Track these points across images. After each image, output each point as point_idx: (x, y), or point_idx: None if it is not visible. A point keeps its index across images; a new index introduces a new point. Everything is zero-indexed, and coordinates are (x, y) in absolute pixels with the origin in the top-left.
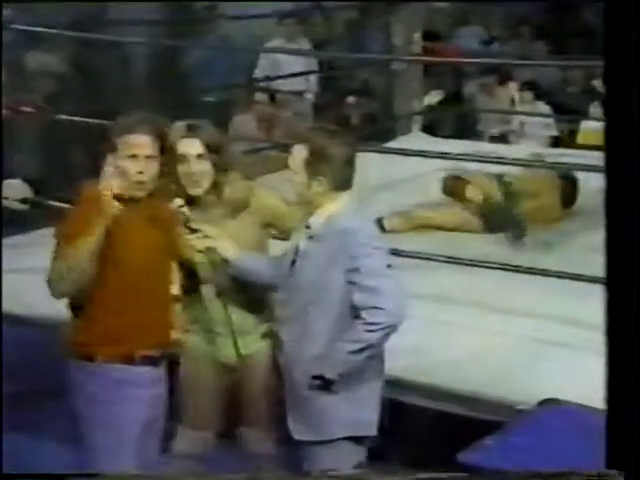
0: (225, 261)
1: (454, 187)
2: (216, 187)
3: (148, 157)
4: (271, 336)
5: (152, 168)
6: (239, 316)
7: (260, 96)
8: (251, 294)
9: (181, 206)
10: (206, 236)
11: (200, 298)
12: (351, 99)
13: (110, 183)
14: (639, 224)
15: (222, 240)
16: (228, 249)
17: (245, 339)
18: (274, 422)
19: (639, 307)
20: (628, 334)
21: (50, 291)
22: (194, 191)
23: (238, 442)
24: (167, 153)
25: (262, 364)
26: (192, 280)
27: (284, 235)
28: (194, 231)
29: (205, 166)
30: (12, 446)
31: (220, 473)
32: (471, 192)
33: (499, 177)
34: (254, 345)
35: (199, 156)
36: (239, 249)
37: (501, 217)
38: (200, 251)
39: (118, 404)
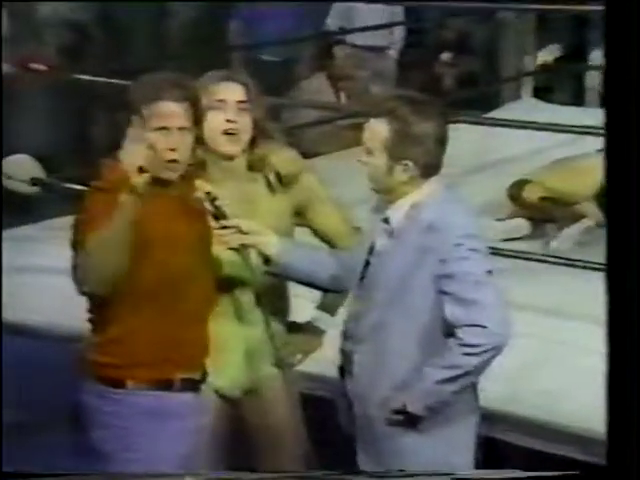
0: (267, 260)
1: (512, 191)
2: (258, 156)
3: (181, 129)
4: (283, 365)
5: (186, 143)
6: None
7: (339, 50)
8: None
9: (212, 195)
10: (242, 231)
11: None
12: (445, 56)
13: (135, 162)
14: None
15: (263, 234)
16: (270, 244)
17: (260, 361)
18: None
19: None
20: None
21: (75, 285)
22: (230, 148)
23: None
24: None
25: (275, 393)
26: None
27: (315, 234)
28: (226, 225)
29: (246, 118)
30: None
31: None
32: (528, 192)
33: None
34: (266, 369)
35: (240, 103)
36: (286, 241)
37: None
38: (234, 249)
39: (152, 439)
